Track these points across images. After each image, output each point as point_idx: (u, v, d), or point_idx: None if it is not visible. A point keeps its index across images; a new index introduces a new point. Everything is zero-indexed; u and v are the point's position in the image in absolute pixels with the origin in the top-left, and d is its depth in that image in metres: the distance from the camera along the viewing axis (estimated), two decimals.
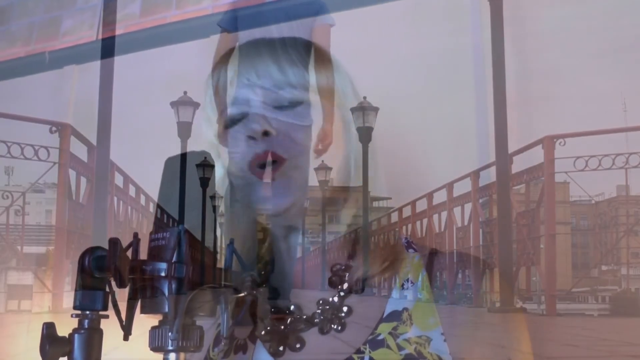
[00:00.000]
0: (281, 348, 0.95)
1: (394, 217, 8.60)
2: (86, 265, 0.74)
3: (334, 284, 1.08)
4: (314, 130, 1.20)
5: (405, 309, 0.98)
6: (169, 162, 1.03)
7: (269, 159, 1.11)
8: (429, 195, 7.47)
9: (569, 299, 5.49)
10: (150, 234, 0.82)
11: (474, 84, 4.84)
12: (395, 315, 0.96)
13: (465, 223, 6.78)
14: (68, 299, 5.11)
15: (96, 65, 4.21)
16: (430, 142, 4.89)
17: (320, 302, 1.00)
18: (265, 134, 1.08)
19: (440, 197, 7.07)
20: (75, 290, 0.78)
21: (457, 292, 7.25)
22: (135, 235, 0.82)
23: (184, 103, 6.24)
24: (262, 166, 1.13)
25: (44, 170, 5.12)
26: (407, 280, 1.05)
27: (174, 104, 6.13)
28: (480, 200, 6.47)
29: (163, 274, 0.75)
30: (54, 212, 5.27)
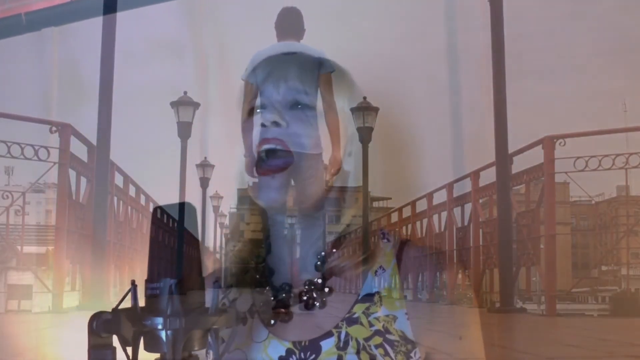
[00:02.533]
0: (272, 321, 1.14)
1: (394, 217, 8.61)
2: (94, 328, 0.89)
3: (318, 268, 1.28)
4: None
5: (377, 292, 1.17)
6: (157, 210, 1.13)
7: (273, 144, 1.29)
8: (429, 195, 7.47)
9: (569, 299, 5.49)
10: (146, 281, 0.94)
11: (474, 84, 4.84)
12: (368, 298, 1.15)
13: (465, 223, 6.78)
14: (68, 299, 5.11)
15: (75, 26, 4.13)
16: (430, 142, 4.89)
17: (307, 282, 1.21)
18: (276, 124, 1.28)
19: (440, 197, 7.08)
20: (88, 349, 0.93)
21: (457, 292, 7.25)
22: (133, 282, 0.96)
23: (184, 103, 6.24)
24: (268, 155, 1.29)
25: (44, 170, 5.12)
26: (380, 267, 1.21)
27: (174, 104, 6.13)
28: (480, 201, 6.47)
29: (160, 327, 0.87)
30: (54, 212, 5.27)
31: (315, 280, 1.21)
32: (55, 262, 5.09)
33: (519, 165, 5.46)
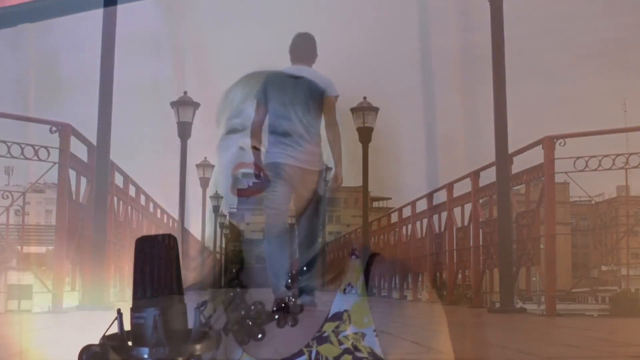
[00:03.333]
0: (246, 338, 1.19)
1: (394, 217, 8.60)
2: None
3: (289, 287, 1.32)
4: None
5: (346, 310, 1.20)
6: (140, 242, 1.15)
7: (249, 168, 1.40)
8: (429, 195, 7.47)
9: (569, 299, 5.49)
10: (131, 310, 0.99)
11: (474, 84, 4.84)
12: (337, 316, 1.18)
13: (465, 223, 6.78)
14: (68, 299, 5.11)
15: (50, 23, 4.13)
16: (430, 142, 4.89)
17: (278, 301, 1.23)
18: (255, 148, 1.35)
19: (440, 197, 7.07)
20: None
21: (457, 292, 7.26)
22: (119, 310, 1.05)
23: (184, 103, 6.24)
24: (243, 177, 1.41)
25: (44, 170, 5.12)
26: (349, 284, 1.24)
27: (174, 104, 6.13)
28: (480, 201, 6.47)
29: (146, 356, 0.94)
30: (54, 212, 5.27)
31: (287, 298, 1.24)
32: (55, 262, 5.09)
33: (519, 165, 5.46)
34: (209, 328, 1.09)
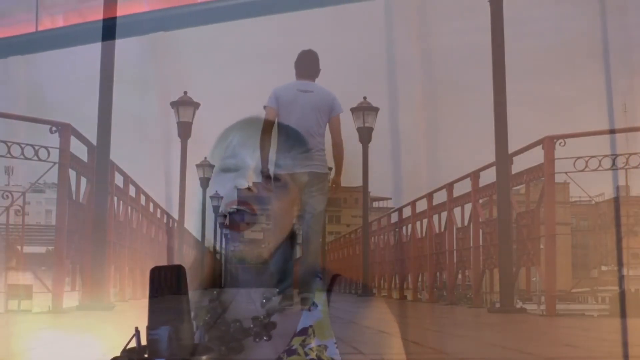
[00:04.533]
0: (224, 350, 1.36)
1: (394, 217, 8.60)
2: None
3: (262, 306, 1.58)
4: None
5: (311, 326, 1.42)
6: (154, 271, 1.32)
7: (241, 206, 1.62)
8: (429, 196, 7.47)
9: (569, 299, 5.49)
10: (147, 328, 1.19)
11: (474, 84, 4.84)
12: (303, 331, 1.41)
13: (466, 223, 6.78)
14: (68, 299, 5.10)
15: (38, 56, 4.19)
16: (431, 142, 4.89)
17: (253, 318, 1.45)
18: (249, 189, 1.55)
19: (440, 197, 7.07)
20: None
21: (457, 292, 7.26)
22: (136, 329, 1.20)
23: (184, 103, 6.25)
24: (236, 212, 1.64)
25: (44, 170, 5.11)
26: (313, 303, 1.46)
27: (174, 104, 6.14)
28: (480, 201, 6.47)
29: None
30: (54, 212, 5.26)
31: (260, 316, 1.48)
32: (55, 262, 5.09)
33: (519, 165, 5.46)
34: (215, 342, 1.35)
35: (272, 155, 3.00)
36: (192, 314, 1.41)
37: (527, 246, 5.48)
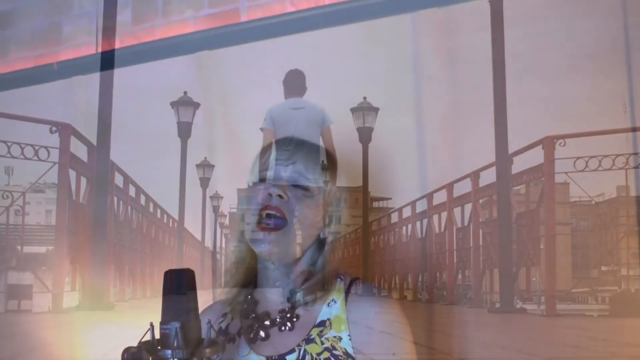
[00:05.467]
0: (253, 338, 1.62)
1: (394, 217, 8.61)
2: (126, 358, 1.32)
3: (288, 300, 1.70)
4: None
5: (329, 319, 1.64)
6: (167, 274, 1.46)
7: (273, 211, 1.68)
8: (429, 196, 7.47)
9: (569, 299, 5.49)
10: (160, 323, 1.38)
11: (474, 84, 4.85)
12: (322, 324, 1.63)
13: (465, 223, 6.79)
14: (68, 299, 5.11)
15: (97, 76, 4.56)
16: (430, 142, 4.89)
17: (279, 311, 1.67)
18: (280, 197, 1.68)
19: (440, 198, 7.07)
20: None
21: (457, 292, 7.26)
22: (151, 324, 1.38)
23: (184, 103, 6.24)
24: (267, 216, 1.69)
25: (44, 170, 5.11)
26: (332, 299, 1.67)
27: (174, 104, 6.13)
28: (480, 201, 6.47)
29: (169, 356, 1.35)
30: (54, 212, 5.26)
31: (286, 309, 1.67)
32: (55, 262, 5.09)
33: (519, 165, 5.46)
34: (220, 337, 1.52)
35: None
36: (229, 308, 1.71)
37: (527, 246, 5.49)
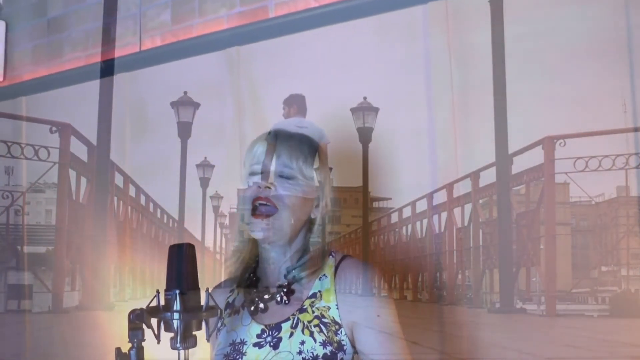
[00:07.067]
0: (254, 309, 1.94)
1: (394, 217, 8.59)
2: (132, 319, 1.51)
3: (285, 277, 1.87)
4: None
5: (320, 291, 1.81)
6: (171, 248, 1.72)
7: (264, 201, 1.92)
8: (429, 196, 7.45)
9: (569, 299, 5.48)
10: (165, 291, 1.58)
11: (474, 84, 4.86)
12: (313, 295, 1.80)
13: (466, 223, 6.77)
14: (68, 299, 5.11)
15: (140, 73, 4.80)
16: (430, 142, 4.89)
17: (277, 286, 1.91)
18: (268, 187, 1.86)
19: (440, 198, 7.06)
20: (128, 331, 1.54)
21: (457, 292, 7.25)
22: (157, 291, 1.56)
23: (184, 103, 6.24)
24: (260, 205, 1.96)
25: (44, 170, 5.11)
26: (324, 274, 1.84)
27: (174, 104, 6.12)
28: (480, 201, 6.45)
29: (171, 317, 1.53)
30: (54, 212, 5.26)
31: (283, 285, 1.91)
32: (55, 262, 5.09)
33: (519, 165, 5.46)
34: (226, 309, 1.87)
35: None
36: (235, 285, 1.91)
37: (527, 246, 5.48)
